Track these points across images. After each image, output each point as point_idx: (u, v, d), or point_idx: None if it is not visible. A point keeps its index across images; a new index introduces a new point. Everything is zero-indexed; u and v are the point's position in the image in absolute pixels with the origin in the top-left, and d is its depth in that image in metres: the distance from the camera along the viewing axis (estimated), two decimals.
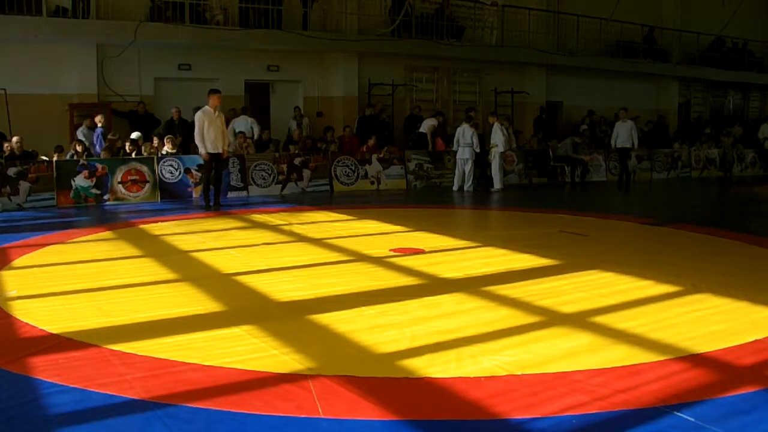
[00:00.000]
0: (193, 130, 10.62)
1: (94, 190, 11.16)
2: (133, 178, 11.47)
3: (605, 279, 5.85)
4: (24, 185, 10.62)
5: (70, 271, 6.17)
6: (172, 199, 11.60)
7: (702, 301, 5.12)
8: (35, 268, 6.21)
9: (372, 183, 13.67)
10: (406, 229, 8.60)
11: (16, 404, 3.24)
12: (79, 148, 11.36)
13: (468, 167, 13.43)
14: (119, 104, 13.15)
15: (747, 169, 18.99)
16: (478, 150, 13.38)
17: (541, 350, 4.00)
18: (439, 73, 17.18)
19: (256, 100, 15.09)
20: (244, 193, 12.34)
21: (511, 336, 4.28)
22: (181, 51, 13.77)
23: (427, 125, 14.86)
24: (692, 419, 3.08)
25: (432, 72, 17.09)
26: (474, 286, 5.56)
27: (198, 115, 10.53)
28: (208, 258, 6.68)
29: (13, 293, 5.31)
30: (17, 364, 3.74)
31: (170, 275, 5.98)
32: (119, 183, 11.35)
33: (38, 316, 4.65)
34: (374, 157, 13.70)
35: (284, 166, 12.79)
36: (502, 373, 3.62)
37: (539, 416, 3.12)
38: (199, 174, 11.65)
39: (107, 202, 11.19)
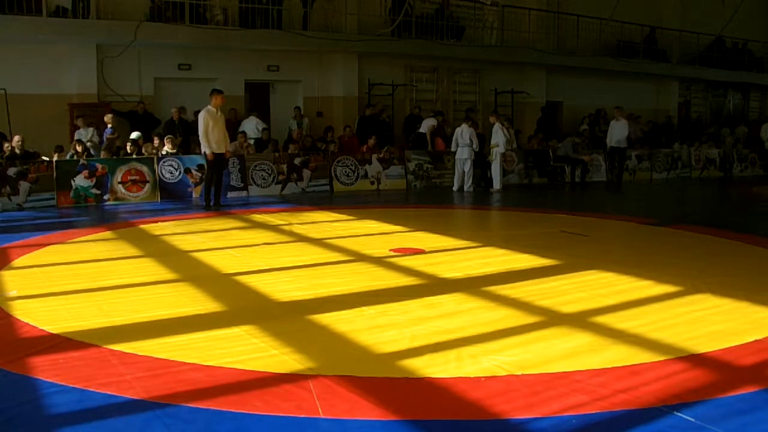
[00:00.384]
0: (193, 130, 10.62)
1: (94, 190, 11.16)
2: (133, 178, 11.47)
3: (605, 279, 5.85)
4: (24, 185, 10.62)
5: (70, 271, 6.17)
6: (172, 199, 11.59)
7: (702, 301, 5.12)
8: (35, 268, 6.21)
9: (372, 183, 13.66)
10: (406, 229, 8.60)
11: (16, 404, 3.24)
12: (79, 148, 11.36)
13: (467, 167, 13.43)
14: (119, 104, 13.14)
15: (747, 169, 18.99)
16: (477, 149, 13.38)
17: (541, 350, 4.00)
18: (439, 73, 17.18)
19: (256, 100, 15.09)
20: (244, 193, 12.34)
21: (511, 336, 4.28)
22: (181, 51, 13.76)
23: (426, 125, 14.86)
24: (692, 419, 3.08)
25: (432, 72, 17.09)
26: (474, 286, 5.56)
27: (202, 115, 10.51)
28: (208, 258, 6.68)
29: (13, 293, 5.31)
30: (17, 364, 3.74)
31: (170, 275, 5.98)
32: (119, 183, 11.35)
33: (38, 316, 4.65)
34: (374, 157, 13.70)
35: (284, 166, 12.79)
36: (502, 373, 3.62)
37: (539, 416, 3.12)
38: (199, 174, 11.65)
39: (107, 202, 11.19)
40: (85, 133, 12.17)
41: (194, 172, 11.86)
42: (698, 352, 3.96)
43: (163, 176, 11.71)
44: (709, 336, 4.27)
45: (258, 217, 9.62)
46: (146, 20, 13.01)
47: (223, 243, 7.60)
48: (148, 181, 11.57)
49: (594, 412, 3.16)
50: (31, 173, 10.70)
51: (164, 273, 6.07)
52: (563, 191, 14.46)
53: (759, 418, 3.13)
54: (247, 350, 3.98)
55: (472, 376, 3.58)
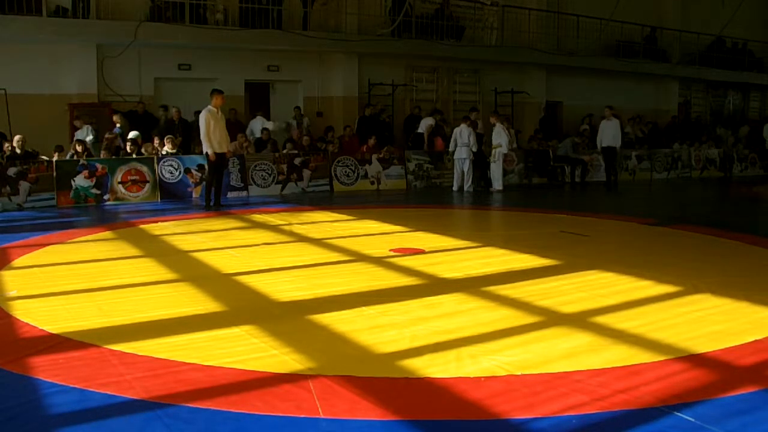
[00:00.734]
0: (191, 130, 10.62)
1: (94, 190, 11.16)
2: (133, 178, 11.47)
3: (605, 279, 5.85)
4: (24, 185, 10.62)
5: (70, 271, 6.17)
6: (172, 199, 11.60)
7: (702, 301, 5.11)
8: (35, 268, 6.21)
9: (372, 183, 13.67)
10: (406, 229, 8.60)
11: (16, 404, 3.24)
12: (79, 148, 11.36)
13: (466, 167, 13.42)
14: (119, 104, 13.14)
15: (747, 169, 19.00)
16: (475, 149, 13.37)
17: (541, 350, 4.00)
18: (439, 73, 17.18)
19: (256, 100, 15.09)
20: (244, 193, 12.34)
21: (511, 336, 4.27)
22: (181, 51, 13.77)
23: (424, 125, 14.87)
24: (692, 419, 3.08)
25: (432, 72, 17.10)
26: (474, 286, 5.56)
27: (203, 116, 10.51)
28: (208, 258, 6.68)
29: (13, 293, 5.31)
30: (17, 364, 3.74)
31: (170, 275, 5.98)
32: (119, 183, 11.35)
33: (38, 316, 4.65)
34: (374, 157, 13.70)
35: (284, 166, 12.80)
36: (502, 373, 3.62)
37: (539, 416, 3.11)
38: (199, 174, 11.65)
39: (107, 202, 11.19)
40: (83, 133, 12.18)
41: (194, 172, 11.86)
42: (698, 352, 3.96)
43: (163, 176, 11.72)
44: (709, 336, 4.26)
45: (258, 217, 9.62)
46: (146, 20, 13.02)
47: (223, 243, 7.60)
48: (148, 181, 11.57)
49: (594, 412, 3.16)
50: (31, 173, 10.71)
51: (164, 273, 6.07)
52: (563, 191, 14.46)
53: (759, 418, 3.13)
54: (247, 350, 3.97)
55: (472, 376, 3.58)
